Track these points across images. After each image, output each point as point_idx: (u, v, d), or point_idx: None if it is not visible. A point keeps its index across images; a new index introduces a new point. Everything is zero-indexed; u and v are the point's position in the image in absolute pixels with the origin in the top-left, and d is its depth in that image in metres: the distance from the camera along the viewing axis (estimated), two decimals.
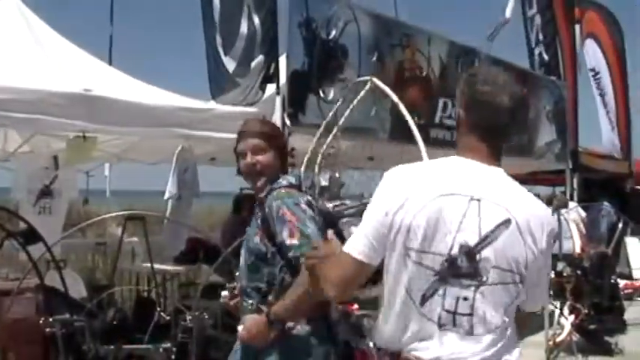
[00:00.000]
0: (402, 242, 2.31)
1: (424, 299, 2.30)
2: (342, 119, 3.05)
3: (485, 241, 2.30)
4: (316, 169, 3.11)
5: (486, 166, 2.43)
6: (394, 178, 2.43)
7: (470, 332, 2.31)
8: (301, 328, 3.14)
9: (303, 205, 3.19)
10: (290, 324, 3.12)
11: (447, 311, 2.30)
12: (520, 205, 2.39)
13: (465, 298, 2.30)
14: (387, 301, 2.40)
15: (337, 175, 3.21)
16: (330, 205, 3.07)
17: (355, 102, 3.30)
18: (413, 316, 2.33)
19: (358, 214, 2.75)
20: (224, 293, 3.46)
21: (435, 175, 2.41)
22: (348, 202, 3.14)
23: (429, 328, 2.32)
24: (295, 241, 3.06)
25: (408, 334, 2.34)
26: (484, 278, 2.30)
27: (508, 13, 11.08)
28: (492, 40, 10.64)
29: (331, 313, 3.19)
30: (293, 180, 3.33)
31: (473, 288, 2.30)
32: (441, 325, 2.31)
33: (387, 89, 2.85)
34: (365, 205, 2.58)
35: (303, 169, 3.17)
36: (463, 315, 2.30)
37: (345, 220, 2.91)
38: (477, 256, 2.29)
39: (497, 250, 2.30)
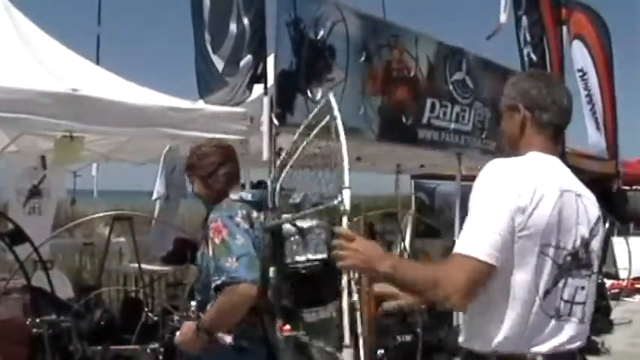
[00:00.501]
0: (538, 239, 2.32)
1: (546, 294, 2.36)
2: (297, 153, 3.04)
3: (592, 233, 2.49)
4: (277, 181, 3.08)
5: (561, 162, 2.59)
6: (515, 174, 2.37)
7: (582, 320, 2.45)
8: (226, 341, 3.16)
9: (238, 219, 3.21)
10: (220, 334, 3.15)
11: (566, 301, 2.40)
12: (594, 198, 2.61)
13: (582, 288, 2.44)
14: (501, 301, 2.33)
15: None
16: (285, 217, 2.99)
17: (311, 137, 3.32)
18: (533, 312, 2.35)
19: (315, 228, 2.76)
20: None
21: (546, 171, 2.46)
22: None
23: (547, 321, 2.37)
24: (212, 252, 3.19)
25: (527, 331, 2.35)
26: (594, 268, 2.50)
27: (503, 18, 11.11)
28: (489, 39, 10.68)
29: (271, 335, 3.07)
30: (249, 196, 3.36)
31: (587, 277, 2.46)
32: (559, 317, 2.39)
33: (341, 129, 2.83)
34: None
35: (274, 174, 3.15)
36: (579, 304, 2.43)
37: (293, 239, 2.83)
38: (589, 247, 2.47)
39: (598, 242, 2.51)
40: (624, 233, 12.93)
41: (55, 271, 6.64)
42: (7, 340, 5.03)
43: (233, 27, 6.16)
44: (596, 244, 2.48)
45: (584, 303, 2.44)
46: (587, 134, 15.18)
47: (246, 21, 6.10)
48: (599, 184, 15.11)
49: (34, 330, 4.49)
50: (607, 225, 11.50)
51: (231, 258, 3.16)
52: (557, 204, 2.36)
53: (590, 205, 2.53)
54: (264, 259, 2.97)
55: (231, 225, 3.20)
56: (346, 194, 2.48)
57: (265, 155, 5.78)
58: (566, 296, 2.39)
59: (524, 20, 12.01)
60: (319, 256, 2.75)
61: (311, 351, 2.94)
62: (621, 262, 12.52)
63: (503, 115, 2.68)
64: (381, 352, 5.80)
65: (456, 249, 2.28)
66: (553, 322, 2.37)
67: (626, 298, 11.49)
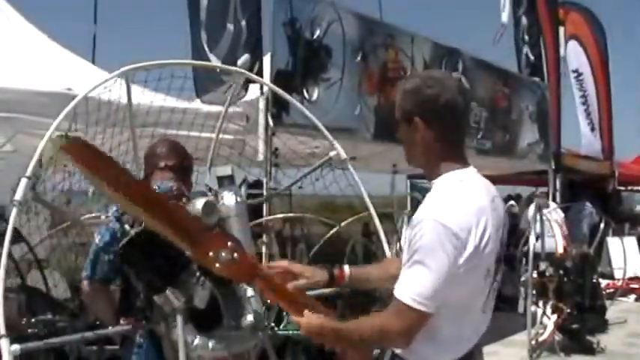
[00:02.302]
0: (485, 268, 2.37)
1: (484, 304, 2.44)
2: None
3: (504, 229, 2.49)
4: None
5: (470, 167, 2.48)
6: (453, 220, 2.29)
7: (491, 306, 2.51)
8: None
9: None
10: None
11: (490, 298, 2.47)
12: (493, 188, 2.57)
13: (497, 280, 2.49)
14: (445, 327, 2.36)
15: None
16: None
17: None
18: (476, 319, 2.44)
19: None
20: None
21: (472, 197, 2.38)
22: None
23: (481, 318, 2.47)
24: None
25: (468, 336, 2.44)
26: (501, 255, 2.50)
27: (504, 18, 11.13)
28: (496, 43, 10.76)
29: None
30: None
31: (502, 268, 2.52)
32: (486, 310, 2.47)
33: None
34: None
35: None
36: (492, 292, 2.49)
37: None
38: (503, 243, 2.49)
39: (505, 232, 2.51)
40: (619, 233, 12.94)
41: (51, 271, 6.62)
42: None
43: (230, 26, 6.15)
44: (505, 235, 2.53)
45: (496, 290, 2.52)
46: (580, 135, 15.23)
47: (242, 20, 6.09)
48: (594, 184, 15.18)
49: (29, 330, 4.47)
50: (602, 225, 11.52)
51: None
52: (490, 228, 2.35)
53: (499, 202, 2.51)
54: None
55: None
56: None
57: (261, 155, 5.78)
58: (492, 294, 2.48)
59: (524, 20, 12.02)
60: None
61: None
62: (616, 262, 12.53)
63: (398, 125, 2.53)
64: (377, 350, 5.81)
65: (398, 296, 2.30)
66: (484, 315, 2.47)
67: (621, 298, 11.51)
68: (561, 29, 13.49)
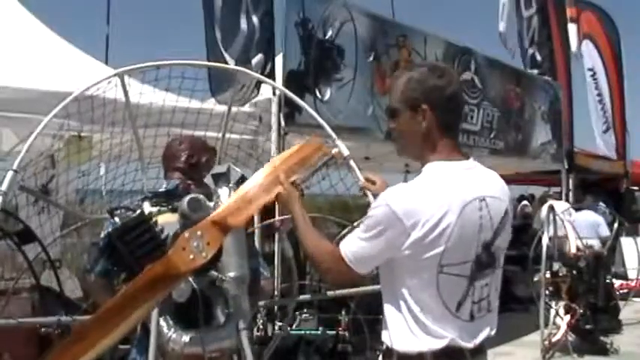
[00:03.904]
0: (435, 262, 2.36)
1: (459, 305, 2.42)
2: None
3: (496, 233, 2.46)
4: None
5: (465, 161, 2.50)
6: (402, 205, 2.35)
7: (489, 309, 2.50)
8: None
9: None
10: None
11: (476, 302, 2.45)
12: (501, 188, 2.56)
13: (486, 284, 2.47)
14: (411, 313, 2.43)
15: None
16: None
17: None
18: (450, 322, 2.41)
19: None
20: None
21: (445, 189, 2.39)
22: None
23: (465, 325, 2.43)
24: None
25: (448, 338, 2.40)
26: (498, 263, 2.51)
27: (502, 27, 11.15)
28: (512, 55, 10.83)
29: None
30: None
31: (490, 274, 2.48)
32: (473, 318, 2.44)
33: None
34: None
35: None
36: (484, 299, 2.48)
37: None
38: (492, 247, 2.46)
39: (504, 237, 2.51)
40: (633, 233, 12.87)
41: (64, 271, 6.65)
42: (16, 340, 5.04)
43: (244, 25, 6.16)
44: (501, 241, 2.51)
45: (487, 296, 2.49)
46: (594, 134, 15.16)
47: (255, 20, 6.10)
48: (607, 184, 15.11)
49: (43, 329, 4.49)
50: (616, 225, 11.46)
51: None
52: (456, 224, 2.34)
53: (494, 204, 2.47)
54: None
55: None
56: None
57: (273, 155, 5.78)
58: (476, 299, 2.45)
59: (535, 20, 11.98)
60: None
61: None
62: (630, 262, 12.46)
63: (397, 113, 2.53)
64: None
65: (342, 246, 2.49)
66: (470, 324, 2.44)
67: (634, 299, 11.45)
68: (574, 27, 13.42)
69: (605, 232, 10.94)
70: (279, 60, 6.20)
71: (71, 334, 2.66)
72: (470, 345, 2.42)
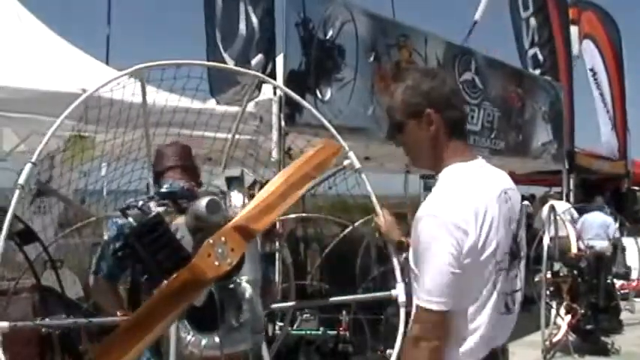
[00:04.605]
0: (493, 260, 2.33)
1: (499, 296, 2.39)
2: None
3: (519, 224, 2.48)
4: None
5: (477, 160, 2.49)
6: (449, 213, 2.28)
7: (517, 302, 2.50)
8: None
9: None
10: None
11: (510, 294, 2.44)
12: (511, 181, 2.56)
13: (516, 275, 2.47)
14: (462, 325, 2.35)
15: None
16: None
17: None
18: (494, 317, 2.38)
19: None
20: None
21: (478, 189, 2.37)
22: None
23: (502, 319, 2.42)
24: None
25: (490, 334, 2.37)
26: (522, 253, 2.52)
27: (477, 15, 11.10)
28: (466, 40, 10.68)
29: None
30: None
31: (518, 265, 2.49)
32: (509, 311, 2.45)
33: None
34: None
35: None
36: (517, 291, 2.49)
37: None
38: (518, 237, 2.47)
39: (522, 227, 2.53)
40: (634, 233, 12.86)
41: (65, 271, 6.65)
42: (17, 340, 5.03)
43: (242, 26, 6.15)
44: (522, 231, 2.52)
45: (520, 289, 2.50)
46: (596, 134, 15.18)
47: (254, 20, 6.09)
48: (608, 184, 15.12)
49: (44, 330, 4.49)
50: (617, 225, 11.46)
51: None
52: (497, 220, 2.33)
53: (514, 195, 2.49)
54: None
55: None
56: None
57: (274, 156, 5.79)
58: (509, 290, 2.43)
59: (533, 21, 11.98)
60: None
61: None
62: (631, 262, 12.46)
63: (403, 127, 2.48)
64: (390, 351, 5.80)
65: (414, 302, 2.31)
66: (505, 317, 2.44)
67: (635, 299, 11.44)
68: (575, 28, 13.42)
69: (615, 232, 10.97)
70: (279, 60, 6.19)
71: (103, 342, 2.64)
72: (503, 341, 2.46)
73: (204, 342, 2.98)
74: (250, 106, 6.05)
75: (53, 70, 6.02)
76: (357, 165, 3.58)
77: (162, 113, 5.65)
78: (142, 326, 2.53)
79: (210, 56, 6.45)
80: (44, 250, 5.03)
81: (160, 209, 3.10)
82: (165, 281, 2.64)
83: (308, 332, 5.65)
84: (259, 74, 4.94)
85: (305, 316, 5.68)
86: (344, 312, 5.80)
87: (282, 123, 5.86)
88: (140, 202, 3.17)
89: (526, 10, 11.99)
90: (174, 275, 2.57)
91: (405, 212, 10.37)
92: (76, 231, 6.45)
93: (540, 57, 12.10)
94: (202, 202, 2.88)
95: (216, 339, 2.96)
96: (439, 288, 2.24)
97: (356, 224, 6.21)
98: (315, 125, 5.60)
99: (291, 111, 5.88)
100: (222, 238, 2.60)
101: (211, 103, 6.32)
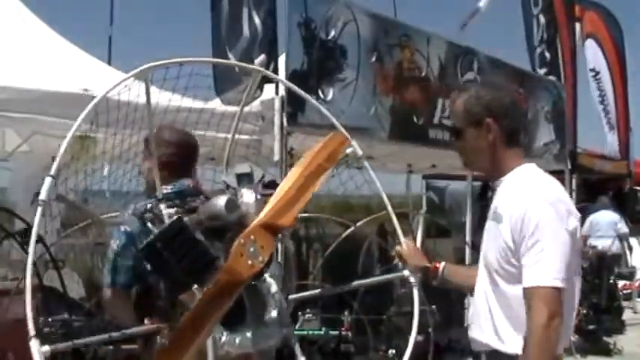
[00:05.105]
0: (579, 252, 2.61)
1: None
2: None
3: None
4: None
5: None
6: (559, 200, 2.57)
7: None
8: None
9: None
10: None
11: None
12: None
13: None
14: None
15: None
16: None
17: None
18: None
19: None
20: None
21: (557, 184, 2.68)
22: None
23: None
24: None
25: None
26: None
27: (482, 3, 10.95)
28: (463, 28, 10.52)
29: None
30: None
31: None
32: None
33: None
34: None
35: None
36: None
37: None
38: None
39: None
40: (636, 233, 12.87)
41: (67, 271, 6.65)
42: (20, 340, 5.03)
43: (246, 26, 6.15)
44: None
45: None
46: (598, 134, 15.16)
47: (257, 20, 6.09)
48: (610, 184, 15.10)
49: (45, 329, 4.49)
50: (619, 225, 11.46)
51: None
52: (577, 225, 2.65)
53: None
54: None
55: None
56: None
57: (277, 155, 5.78)
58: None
59: (542, 18, 11.93)
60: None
61: None
62: (634, 262, 12.46)
63: (463, 133, 2.70)
64: (392, 351, 5.81)
65: (534, 283, 2.47)
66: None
67: (638, 299, 11.44)
68: (577, 26, 13.39)
69: (624, 228, 11.00)
70: (281, 60, 6.19)
71: (156, 354, 2.76)
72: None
73: (237, 340, 2.97)
74: (253, 106, 6.06)
75: (55, 70, 6.03)
76: (360, 152, 3.61)
77: (165, 113, 5.66)
78: (189, 334, 2.58)
79: (215, 55, 6.45)
80: (47, 250, 5.03)
81: (171, 211, 3.06)
82: (196, 286, 2.70)
83: (310, 332, 5.65)
84: (265, 71, 4.94)
85: (307, 315, 5.68)
86: (346, 312, 5.80)
87: (285, 122, 5.86)
88: (149, 205, 3.14)
89: (536, 7, 11.94)
90: (214, 280, 2.60)
91: (406, 212, 10.40)
92: (78, 231, 6.45)
93: (547, 55, 12.06)
94: (220, 201, 2.85)
95: (249, 335, 2.95)
96: (562, 266, 2.45)
97: (358, 224, 6.22)
98: (318, 124, 5.60)
99: (293, 110, 5.88)
100: (252, 237, 2.61)
101: (212, 103, 6.32)
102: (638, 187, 16.63)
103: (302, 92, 4.16)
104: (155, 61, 3.44)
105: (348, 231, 6.55)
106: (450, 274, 3.15)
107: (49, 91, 5.16)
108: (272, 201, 2.77)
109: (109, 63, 8.59)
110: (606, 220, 11.24)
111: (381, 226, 8.77)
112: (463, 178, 9.81)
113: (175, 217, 2.84)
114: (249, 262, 2.59)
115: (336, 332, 5.70)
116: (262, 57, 5.78)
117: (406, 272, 3.49)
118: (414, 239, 8.84)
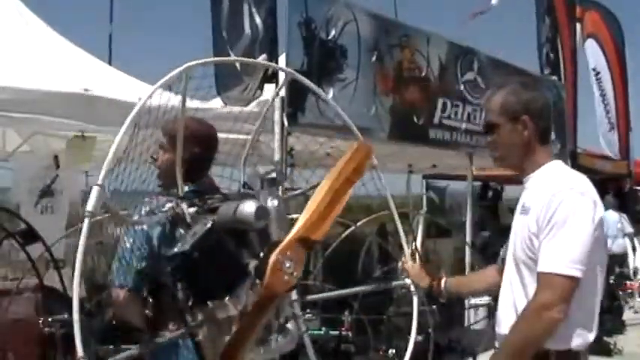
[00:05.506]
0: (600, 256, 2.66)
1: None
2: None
3: None
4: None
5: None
6: (590, 191, 2.67)
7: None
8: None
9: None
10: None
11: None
12: None
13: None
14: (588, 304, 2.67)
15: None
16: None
17: None
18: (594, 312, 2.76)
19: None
20: None
21: (587, 179, 2.77)
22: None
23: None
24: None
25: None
26: None
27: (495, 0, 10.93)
28: (472, 19, 10.47)
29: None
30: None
31: None
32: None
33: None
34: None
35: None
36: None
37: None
38: None
39: None
40: (636, 233, 12.86)
41: (67, 271, 6.64)
42: (20, 340, 5.04)
43: (247, 26, 6.15)
44: None
45: None
46: (598, 134, 15.14)
47: (258, 19, 6.09)
48: (611, 184, 15.08)
49: (46, 329, 4.49)
50: (619, 225, 11.46)
51: None
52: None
53: None
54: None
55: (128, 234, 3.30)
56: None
57: (277, 155, 5.78)
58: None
59: (547, 19, 11.91)
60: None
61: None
62: (633, 262, 12.46)
63: (497, 127, 2.81)
64: (392, 351, 5.80)
65: (546, 269, 2.54)
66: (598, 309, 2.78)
67: (639, 299, 11.44)
68: (578, 27, 13.37)
69: (629, 228, 11.00)
70: (282, 60, 6.19)
71: None
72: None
73: (262, 349, 2.95)
74: (253, 105, 6.06)
75: (55, 70, 6.03)
76: (375, 162, 3.68)
77: (165, 114, 5.65)
78: (234, 349, 2.63)
79: (216, 55, 6.44)
80: (47, 250, 5.04)
81: (192, 210, 3.01)
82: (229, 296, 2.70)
83: (310, 332, 5.65)
84: (284, 67, 4.96)
85: (307, 315, 5.68)
86: (346, 312, 5.80)
87: (285, 123, 5.86)
88: (168, 204, 3.07)
89: (541, 7, 11.92)
90: (254, 296, 2.63)
91: (406, 211, 10.40)
92: (78, 231, 6.43)
93: (551, 54, 12.03)
94: (250, 209, 2.79)
95: (273, 344, 2.92)
96: (580, 256, 2.50)
97: (358, 224, 6.21)
98: (318, 125, 5.61)
99: (293, 110, 5.88)
100: (288, 253, 2.60)
101: (213, 103, 6.32)
102: (638, 188, 16.62)
103: (314, 86, 4.17)
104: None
105: (348, 231, 6.52)
106: (452, 287, 3.30)
107: (49, 91, 5.16)
108: (304, 215, 2.74)
109: (110, 62, 8.60)
110: (613, 220, 11.25)
111: (381, 226, 8.76)
112: (463, 178, 9.81)
113: (209, 225, 2.78)
114: (285, 277, 2.58)
115: (337, 332, 5.71)
116: (263, 57, 5.79)
117: (408, 280, 3.55)
118: (415, 239, 8.83)
